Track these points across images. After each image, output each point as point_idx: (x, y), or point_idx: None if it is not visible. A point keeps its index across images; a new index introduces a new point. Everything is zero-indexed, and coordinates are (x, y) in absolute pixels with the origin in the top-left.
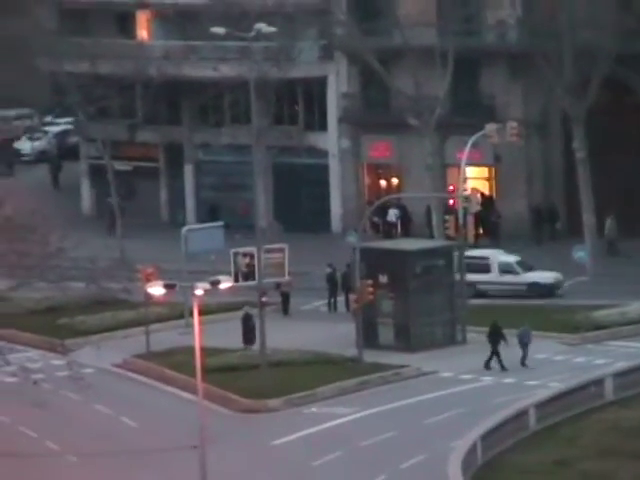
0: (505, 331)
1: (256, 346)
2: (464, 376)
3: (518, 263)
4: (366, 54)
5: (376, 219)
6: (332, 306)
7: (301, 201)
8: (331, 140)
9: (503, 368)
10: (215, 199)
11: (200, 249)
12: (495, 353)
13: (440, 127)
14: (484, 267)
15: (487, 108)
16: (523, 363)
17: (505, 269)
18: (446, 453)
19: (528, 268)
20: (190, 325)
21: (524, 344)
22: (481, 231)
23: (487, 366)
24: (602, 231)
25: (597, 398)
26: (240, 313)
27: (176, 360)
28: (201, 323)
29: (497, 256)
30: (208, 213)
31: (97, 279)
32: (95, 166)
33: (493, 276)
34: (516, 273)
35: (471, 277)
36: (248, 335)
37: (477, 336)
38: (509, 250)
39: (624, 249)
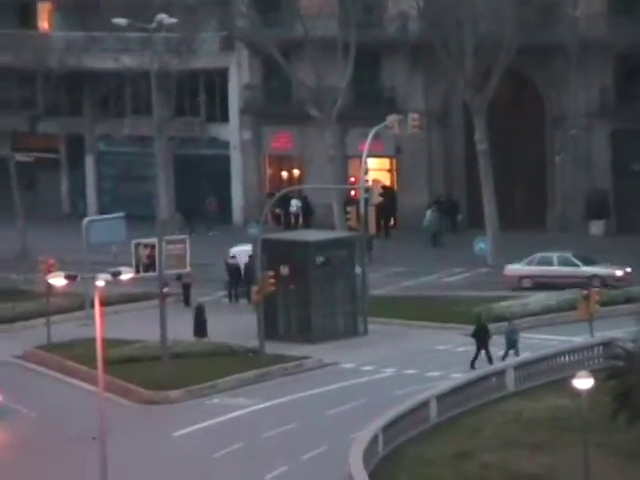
0: (403, 322)
1: (207, 338)
2: (365, 367)
3: None
4: (267, 45)
5: (278, 210)
6: (233, 297)
7: (202, 192)
8: (232, 131)
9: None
10: (116, 189)
11: (101, 240)
12: (485, 350)
13: (341, 118)
14: None
15: (388, 99)
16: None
17: None
18: (348, 445)
19: None
20: (91, 316)
21: (513, 341)
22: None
23: (472, 366)
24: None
25: (498, 389)
26: (142, 304)
27: (77, 351)
28: (102, 314)
29: None
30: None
31: None
32: None
33: None
34: None
35: None
36: (200, 328)
37: (378, 327)
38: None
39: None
